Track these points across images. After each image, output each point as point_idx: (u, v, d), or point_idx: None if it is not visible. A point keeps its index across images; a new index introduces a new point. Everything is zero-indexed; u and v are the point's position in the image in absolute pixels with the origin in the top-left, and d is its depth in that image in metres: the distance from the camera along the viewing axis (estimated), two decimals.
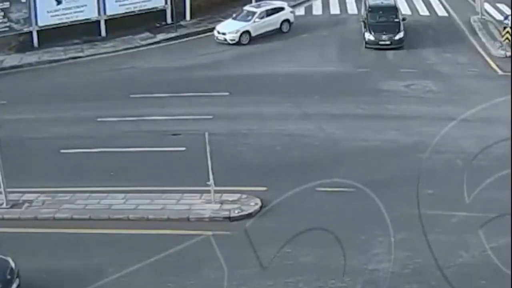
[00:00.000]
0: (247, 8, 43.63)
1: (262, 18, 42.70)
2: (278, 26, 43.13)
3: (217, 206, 24.03)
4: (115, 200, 24.75)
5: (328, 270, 20.48)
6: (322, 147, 28.55)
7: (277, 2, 44.51)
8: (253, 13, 42.69)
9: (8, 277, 19.47)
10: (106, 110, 32.84)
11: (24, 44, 41.92)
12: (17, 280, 19.63)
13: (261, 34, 42.43)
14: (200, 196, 24.57)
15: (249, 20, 42.36)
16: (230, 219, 23.47)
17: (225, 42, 41.78)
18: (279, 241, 21.15)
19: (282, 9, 43.63)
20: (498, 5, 46.37)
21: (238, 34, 41.77)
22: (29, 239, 22.82)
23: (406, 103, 32.87)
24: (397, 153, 27.62)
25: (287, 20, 43.43)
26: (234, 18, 43.02)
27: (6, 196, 24.55)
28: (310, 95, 33.77)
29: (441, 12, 46.53)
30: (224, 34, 41.97)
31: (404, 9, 45.61)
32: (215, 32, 42.43)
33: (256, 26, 42.36)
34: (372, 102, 32.93)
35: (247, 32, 42.03)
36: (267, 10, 43.10)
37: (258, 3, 44.73)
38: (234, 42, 41.72)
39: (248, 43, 41.88)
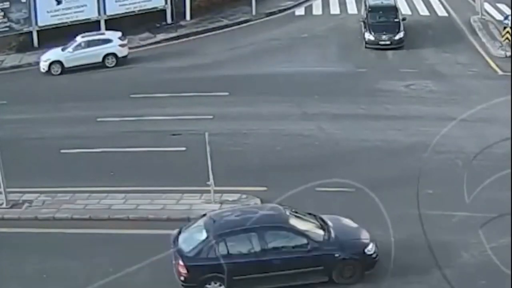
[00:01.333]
0: (77, 37, 39.63)
1: (79, 49, 38.92)
2: (100, 59, 38.99)
3: (217, 206, 24.00)
4: (115, 200, 24.76)
5: None
6: (322, 147, 28.54)
7: (109, 33, 40.70)
8: (73, 43, 39.32)
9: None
10: (106, 110, 32.84)
11: (24, 44, 41.93)
12: None
13: (78, 66, 38.60)
14: (200, 196, 24.58)
15: (64, 50, 39.15)
16: None
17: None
18: None
19: (108, 41, 39.40)
20: (498, 5, 46.33)
21: (47, 63, 38.60)
22: (29, 239, 22.82)
23: (406, 103, 32.85)
24: (397, 153, 27.60)
25: (112, 54, 39.11)
26: (63, 47, 39.33)
27: (6, 196, 24.56)
28: (310, 95, 33.76)
29: (441, 12, 46.49)
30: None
31: (404, 9, 45.57)
32: None
33: (69, 57, 38.70)
34: (372, 102, 32.90)
35: (58, 62, 38.63)
36: (88, 41, 39.18)
37: (91, 33, 40.40)
38: (44, 71, 38.55)
39: (62, 74, 38.38)
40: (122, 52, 39.61)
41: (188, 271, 19.39)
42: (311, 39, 42.44)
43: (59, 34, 41.56)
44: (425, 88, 34.68)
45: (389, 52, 39.91)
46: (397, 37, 40.19)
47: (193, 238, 19.95)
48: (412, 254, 20.93)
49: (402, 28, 40.60)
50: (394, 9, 41.94)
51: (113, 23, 43.04)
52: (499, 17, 43.15)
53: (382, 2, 42.34)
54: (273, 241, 19.52)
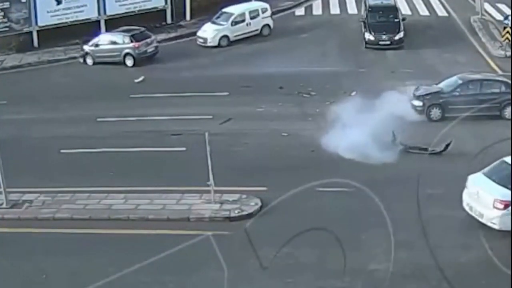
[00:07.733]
0: None
1: None
2: None
3: (217, 206, 24.03)
4: (115, 200, 24.76)
5: (328, 270, 20.49)
6: (322, 147, 28.51)
7: None
8: None
9: None
10: (106, 110, 32.85)
11: (24, 44, 41.95)
12: None
13: None
14: (200, 196, 24.57)
15: None
16: (230, 219, 23.46)
17: None
18: (279, 241, 21.12)
19: None
20: (498, 5, 46.38)
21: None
22: (29, 239, 22.82)
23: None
24: (397, 153, 27.57)
25: None
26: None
27: (6, 196, 24.55)
28: (310, 95, 33.75)
29: (441, 12, 46.53)
30: None
31: (404, 9, 45.61)
32: None
33: None
34: (372, 102, 32.84)
35: None
36: None
37: None
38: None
39: None
40: None
41: None
42: (311, 39, 42.45)
43: (59, 34, 41.62)
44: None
45: (389, 52, 39.92)
46: (397, 37, 40.22)
47: None
48: (412, 254, 20.97)
49: (402, 28, 40.63)
50: (394, 9, 41.98)
51: (113, 23, 43.06)
52: (499, 17, 43.18)
53: (382, 2, 42.37)
54: None
